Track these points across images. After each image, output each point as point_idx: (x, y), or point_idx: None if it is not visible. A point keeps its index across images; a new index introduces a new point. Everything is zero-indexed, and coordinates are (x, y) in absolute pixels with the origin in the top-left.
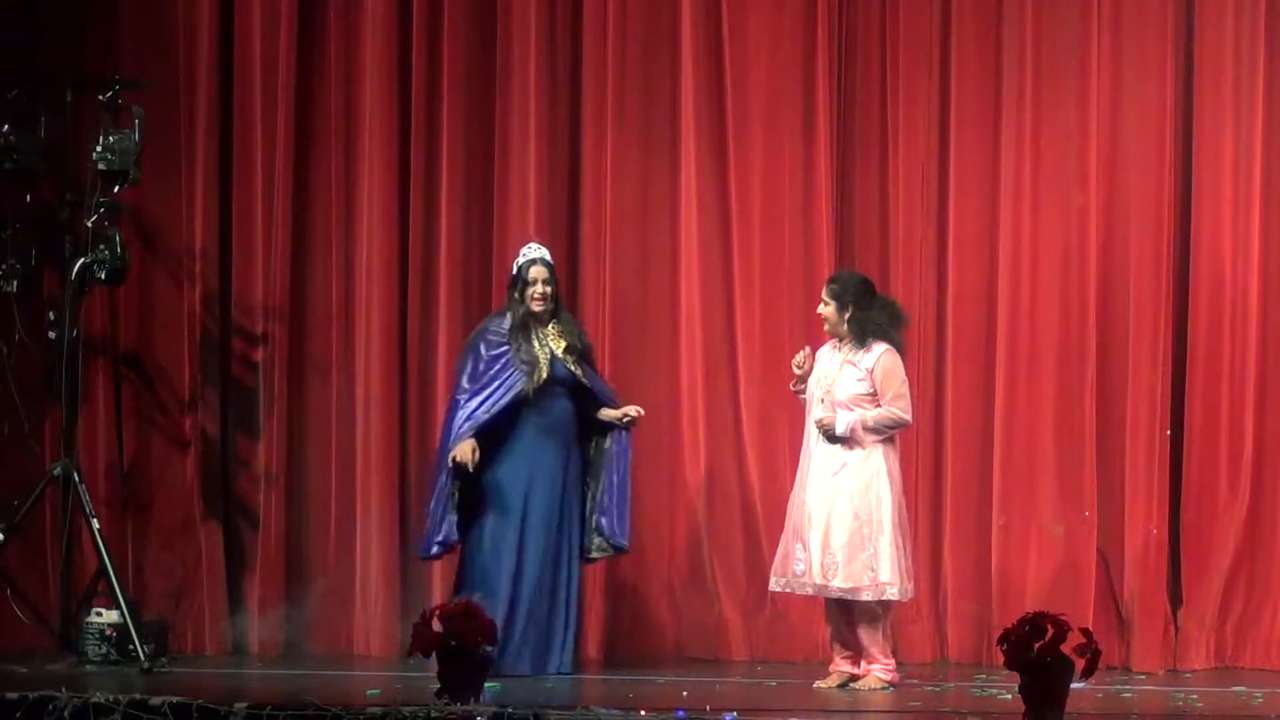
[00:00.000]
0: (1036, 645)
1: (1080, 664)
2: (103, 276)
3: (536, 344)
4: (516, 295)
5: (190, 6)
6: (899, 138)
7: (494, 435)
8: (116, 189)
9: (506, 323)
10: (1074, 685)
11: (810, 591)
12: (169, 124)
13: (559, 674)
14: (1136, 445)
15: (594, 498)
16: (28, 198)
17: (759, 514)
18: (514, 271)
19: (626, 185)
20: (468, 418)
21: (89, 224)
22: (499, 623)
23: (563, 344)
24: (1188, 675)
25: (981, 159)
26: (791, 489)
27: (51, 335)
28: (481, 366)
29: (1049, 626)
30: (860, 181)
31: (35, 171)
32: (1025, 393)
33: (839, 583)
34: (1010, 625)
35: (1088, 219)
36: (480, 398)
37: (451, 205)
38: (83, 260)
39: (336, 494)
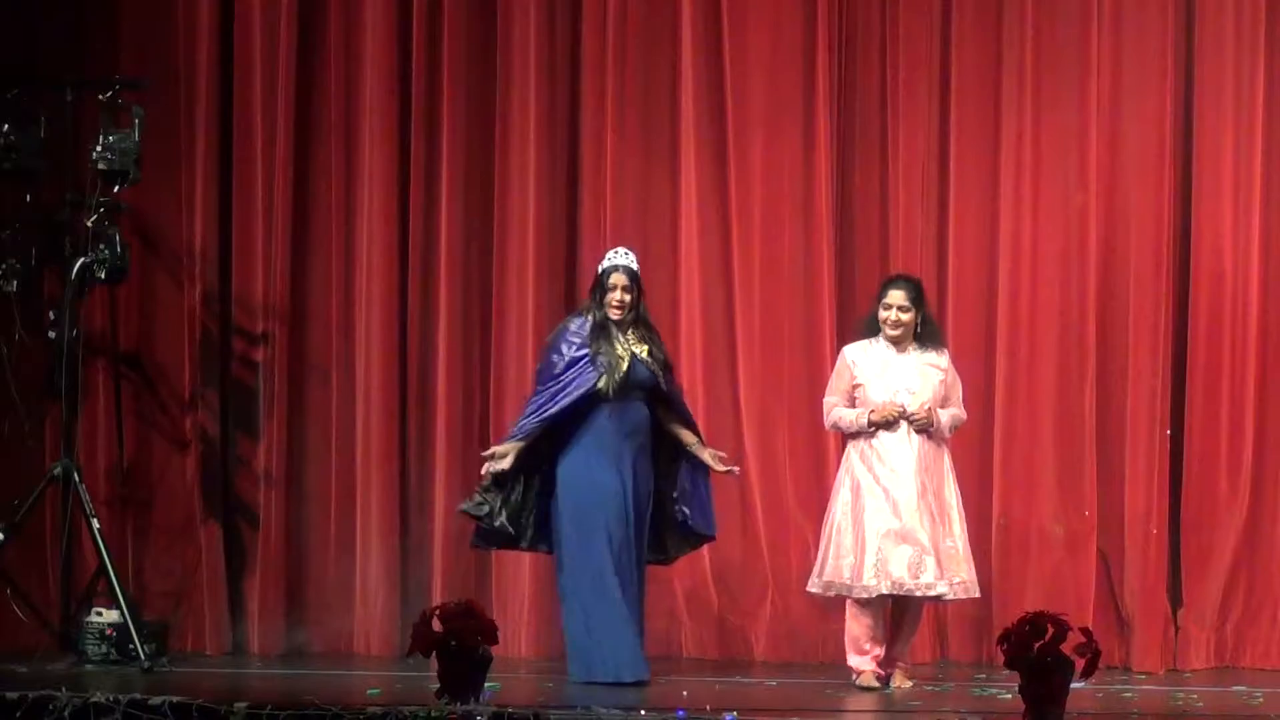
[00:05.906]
0: (1036, 645)
1: (1080, 664)
2: (103, 276)
3: (618, 345)
4: (596, 299)
5: (190, 6)
6: (899, 138)
7: (574, 437)
8: (116, 189)
9: (586, 324)
10: (1074, 685)
11: (942, 591)
12: (169, 124)
13: (638, 682)
14: (1136, 445)
15: (676, 495)
16: (28, 198)
17: (759, 514)
18: (597, 274)
19: (627, 185)
20: (535, 411)
21: (89, 224)
22: (612, 621)
23: (645, 347)
24: (1188, 675)
25: (981, 159)
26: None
27: (51, 335)
28: (562, 366)
29: (1049, 626)
30: (860, 182)
31: (35, 171)
32: (1025, 393)
33: (943, 585)
34: (1010, 625)
35: (1088, 219)
36: (553, 394)
37: (451, 205)
38: (83, 260)
39: (336, 494)
